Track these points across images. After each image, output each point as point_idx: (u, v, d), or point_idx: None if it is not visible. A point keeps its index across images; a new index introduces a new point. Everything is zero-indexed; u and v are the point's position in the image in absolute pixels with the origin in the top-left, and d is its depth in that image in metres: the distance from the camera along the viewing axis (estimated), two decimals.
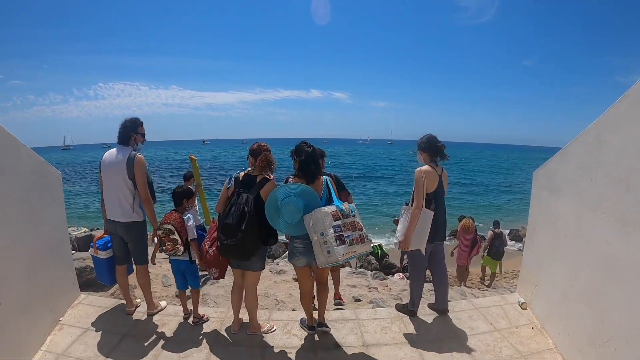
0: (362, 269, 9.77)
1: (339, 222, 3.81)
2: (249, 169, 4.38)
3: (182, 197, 4.96)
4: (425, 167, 4.65)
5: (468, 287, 10.12)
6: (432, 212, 4.57)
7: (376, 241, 13.23)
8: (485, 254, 11.37)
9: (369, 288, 7.37)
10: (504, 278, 12.42)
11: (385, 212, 27.39)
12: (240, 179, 4.27)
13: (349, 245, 3.75)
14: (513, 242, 19.38)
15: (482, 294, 8.76)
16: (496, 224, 11.66)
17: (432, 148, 4.76)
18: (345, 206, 3.99)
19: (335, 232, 3.73)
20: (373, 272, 8.62)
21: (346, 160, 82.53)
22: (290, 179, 4.16)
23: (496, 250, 11.20)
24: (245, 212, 3.97)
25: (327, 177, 4.30)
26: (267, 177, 4.28)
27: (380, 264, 12.30)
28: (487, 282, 11.62)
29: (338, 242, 3.71)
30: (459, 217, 11.32)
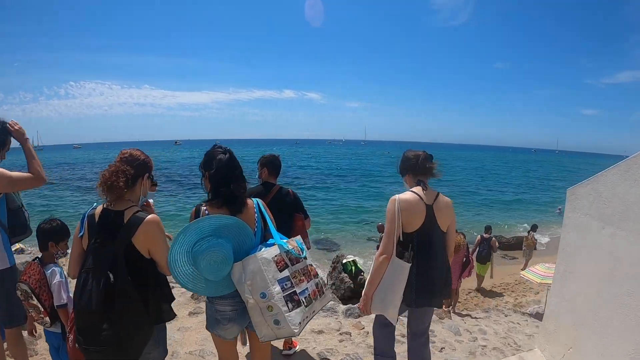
0: (331, 302, 8.15)
1: (286, 273, 2.50)
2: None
3: (48, 239, 3.21)
4: (405, 195, 3.08)
5: (458, 315, 8.69)
6: (408, 264, 2.96)
7: (349, 255, 11.68)
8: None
9: (340, 334, 5.66)
10: (495, 292, 11.63)
11: (359, 218, 25.50)
12: (97, 219, 2.47)
13: (306, 306, 2.50)
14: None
15: (478, 324, 7.36)
16: (487, 229, 12.16)
17: (416, 166, 3.20)
18: (292, 244, 2.64)
19: (283, 289, 2.44)
20: (346, 306, 6.89)
21: (321, 160, 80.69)
22: (203, 208, 2.62)
23: (479, 254, 11.76)
24: (111, 285, 2.24)
25: (258, 201, 2.84)
26: (142, 209, 2.61)
27: (355, 283, 10.81)
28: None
29: (290, 304, 2.43)
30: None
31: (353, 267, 11.10)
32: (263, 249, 2.51)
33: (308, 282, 2.61)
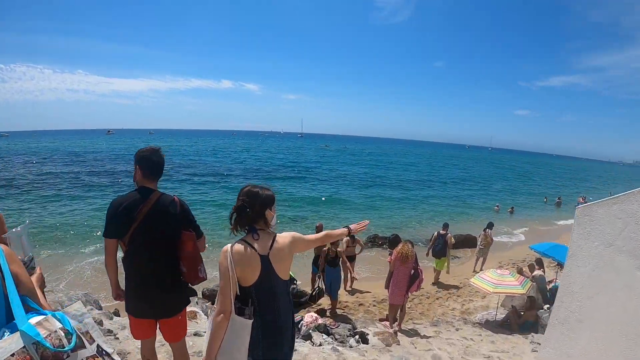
0: None
1: None
2: None
3: None
4: (237, 246, 2.60)
5: (406, 334, 7.54)
6: (250, 321, 2.60)
7: None
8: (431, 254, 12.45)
9: None
10: (441, 297, 11.02)
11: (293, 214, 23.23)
12: None
13: None
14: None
15: (430, 348, 6.25)
16: (445, 226, 12.62)
17: (257, 200, 2.69)
18: (46, 328, 1.50)
19: None
20: None
21: (257, 153, 77.80)
22: None
23: (434, 249, 12.25)
24: None
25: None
26: None
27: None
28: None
29: None
30: (390, 237, 8.59)
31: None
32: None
33: None
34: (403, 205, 27.62)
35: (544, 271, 10.99)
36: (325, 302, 9.69)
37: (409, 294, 7.88)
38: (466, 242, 16.75)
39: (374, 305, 9.96)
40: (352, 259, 10.84)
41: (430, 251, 12.45)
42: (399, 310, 7.92)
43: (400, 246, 7.66)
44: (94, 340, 1.66)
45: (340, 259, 9.07)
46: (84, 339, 1.61)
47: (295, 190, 31.06)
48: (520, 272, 11.60)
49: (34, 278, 1.92)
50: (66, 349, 1.51)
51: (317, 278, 9.26)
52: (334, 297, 9.19)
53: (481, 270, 13.52)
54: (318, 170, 47.14)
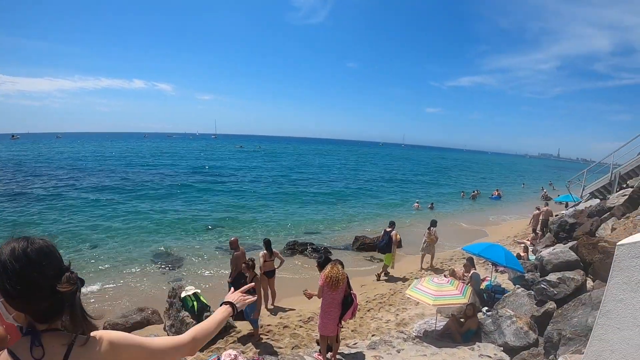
0: None
1: None
2: None
3: None
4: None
5: None
6: None
7: (189, 287, 8.85)
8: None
9: None
10: (372, 308, 10.01)
11: (204, 223, 20.81)
12: None
13: None
14: None
15: None
16: (391, 224, 13.12)
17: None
18: None
19: None
20: None
21: (168, 157, 73.57)
22: None
23: (379, 244, 13.07)
24: None
25: None
26: None
27: (199, 321, 8.05)
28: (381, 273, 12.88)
29: None
30: (319, 259, 7.32)
31: (195, 303, 8.39)
32: None
33: None
34: (322, 207, 26.67)
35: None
36: (244, 327, 8.48)
37: (343, 322, 6.74)
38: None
39: (301, 327, 8.77)
40: (271, 274, 9.93)
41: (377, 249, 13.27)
42: (334, 342, 6.76)
43: (328, 269, 6.45)
44: None
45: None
46: None
47: (211, 196, 29.03)
48: (452, 273, 11.01)
49: None
50: None
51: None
52: (254, 325, 8.01)
53: (429, 267, 13.84)
54: (237, 173, 44.84)
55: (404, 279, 12.62)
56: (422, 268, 13.77)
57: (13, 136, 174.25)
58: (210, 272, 12.88)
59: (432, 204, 27.53)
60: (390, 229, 12.84)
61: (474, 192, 34.52)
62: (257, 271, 8.55)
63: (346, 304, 6.41)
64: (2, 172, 37.98)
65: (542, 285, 8.13)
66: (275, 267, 10.11)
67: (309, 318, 9.18)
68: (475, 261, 11.12)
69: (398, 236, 13.08)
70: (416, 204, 27.39)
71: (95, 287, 11.38)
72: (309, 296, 6.53)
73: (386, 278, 12.84)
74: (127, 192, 28.89)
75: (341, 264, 6.57)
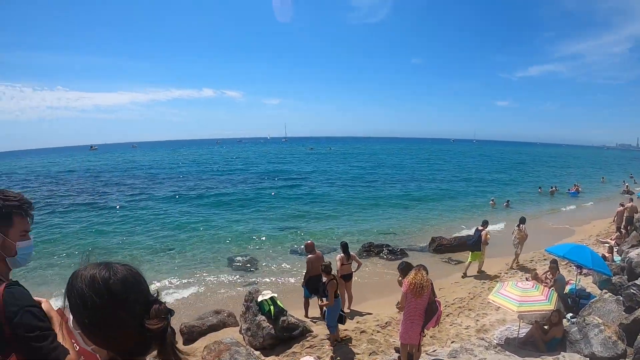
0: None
1: None
2: None
3: None
4: None
5: None
6: None
7: (267, 291, 8.91)
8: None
9: None
10: (452, 312, 9.72)
11: (283, 225, 21.60)
12: None
13: None
14: None
15: None
16: (484, 223, 13.16)
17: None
18: None
19: None
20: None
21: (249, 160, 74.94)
22: None
23: (467, 242, 13.50)
24: None
25: None
26: None
27: (276, 327, 8.19)
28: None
29: None
30: (399, 266, 7.16)
31: (272, 307, 8.43)
32: None
33: None
34: (396, 207, 26.27)
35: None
36: (321, 331, 8.46)
37: (426, 331, 6.55)
38: (464, 245, 15.16)
39: (378, 332, 8.61)
40: (348, 277, 9.79)
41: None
42: (415, 351, 6.58)
43: (412, 275, 6.31)
44: None
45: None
46: None
47: (284, 200, 29.34)
48: (535, 277, 10.44)
49: None
50: None
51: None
52: (331, 330, 7.97)
53: (516, 265, 13.52)
54: (309, 176, 44.99)
55: (483, 282, 12.19)
56: (511, 267, 13.47)
57: (92, 147, 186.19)
58: (286, 276, 13.03)
59: (508, 201, 26.41)
60: (482, 228, 12.88)
61: (551, 188, 32.80)
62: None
63: (430, 311, 6.23)
64: (82, 182, 40.68)
65: (632, 290, 7.58)
66: (353, 270, 9.99)
67: (386, 323, 9.01)
68: (559, 262, 10.53)
69: (488, 235, 13.00)
70: (491, 201, 26.41)
71: (171, 290, 11.80)
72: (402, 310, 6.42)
73: (473, 276, 12.72)
74: (202, 198, 29.92)
75: (425, 269, 6.41)
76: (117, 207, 26.19)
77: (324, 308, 7.97)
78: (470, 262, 12.92)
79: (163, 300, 1.36)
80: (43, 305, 1.91)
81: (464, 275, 12.75)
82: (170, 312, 1.35)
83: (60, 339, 1.79)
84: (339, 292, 8.06)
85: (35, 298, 1.95)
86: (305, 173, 47.66)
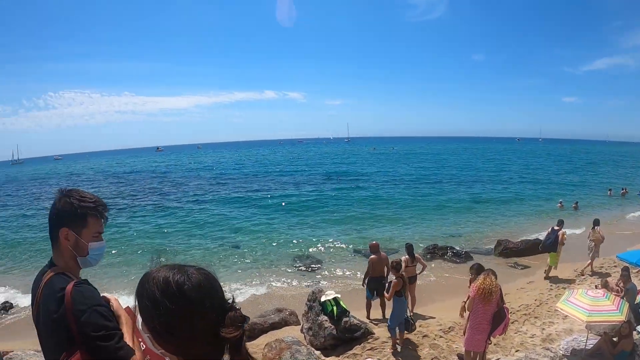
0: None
1: None
2: None
3: None
4: None
5: None
6: None
7: (330, 291, 9.08)
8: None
9: None
10: (517, 320, 9.51)
11: (346, 226, 21.33)
12: None
13: None
14: None
15: None
16: (560, 223, 12.85)
17: None
18: None
19: None
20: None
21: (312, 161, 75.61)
22: None
23: (544, 243, 12.95)
24: None
25: None
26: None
27: (338, 328, 8.33)
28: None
29: None
30: (472, 267, 7.27)
31: (334, 308, 8.58)
32: None
33: None
34: (461, 209, 25.81)
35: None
36: (383, 333, 8.53)
37: (492, 339, 6.48)
38: (534, 248, 14.66)
39: (441, 337, 8.57)
40: (412, 280, 9.76)
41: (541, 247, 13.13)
42: (478, 358, 6.53)
43: (481, 279, 6.24)
44: None
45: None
46: None
47: (347, 200, 29.47)
48: (605, 285, 10.02)
49: None
50: None
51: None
52: (392, 333, 8.03)
53: (589, 271, 13.04)
54: (372, 177, 44.77)
55: (550, 289, 11.80)
56: (581, 273, 13.03)
57: (158, 148, 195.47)
58: (349, 276, 13.25)
59: (576, 202, 25.26)
60: (558, 228, 12.61)
61: (622, 189, 31.11)
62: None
63: (498, 318, 6.16)
64: (147, 182, 42.82)
65: None
66: (417, 272, 10.01)
67: (449, 328, 8.94)
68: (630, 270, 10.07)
69: (565, 236, 12.74)
70: (559, 204, 25.42)
71: (234, 287, 12.22)
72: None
73: (548, 279, 12.49)
74: (266, 199, 30.54)
75: (494, 274, 6.37)
76: (182, 207, 27.39)
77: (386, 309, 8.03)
78: (550, 265, 12.68)
79: (238, 307, 1.29)
80: (112, 304, 1.94)
81: (546, 277, 12.57)
82: (245, 319, 1.27)
83: (126, 338, 1.80)
84: (403, 293, 8.08)
85: (104, 294, 1.99)
86: (368, 174, 47.37)
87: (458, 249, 15.48)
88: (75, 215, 1.96)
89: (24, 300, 12.33)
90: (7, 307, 12.10)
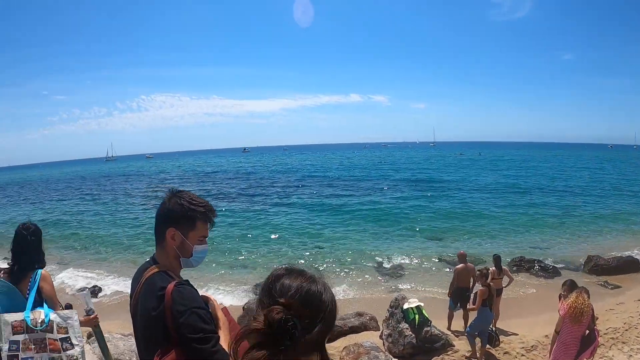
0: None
1: (18, 337, 2.89)
2: None
3: None
4: None
5: None
6: None
7: (413, 299, 9.14)
8: None
9: None
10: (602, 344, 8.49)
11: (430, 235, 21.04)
12: None
13: None
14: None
15: None
16: None
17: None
18: (35, 315, 3.00)
19: (10, 349, 2.85)
20: None
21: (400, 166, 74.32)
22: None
23: None
24: None
25: (40, 271, 3.25)
26: None
27: (418, 337, 8.43)
28: None
29: None
30: (565, 282, 6.94)
31: (417, 316, 8.67)
32: (9, 314, 2.92)
33: (37, 352, 2.87)
34: (550, 220, 24.29)
35: None
36: (463, 347, 8.51)
37: None
38: (626, 266, 13.99)
39: (523, 355, 8.43)
40: (498, 293, 9.55)
41: None
42: None
43: (572, 298, 5.96)
44: (67, 333, 3.01)
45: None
46: (55, 329, 2.98)
47: (432, 207, 28.96)
48: None
49: (85, 319, 3.42)
50: (38, 327, 2.93)
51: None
52: (471, 344, 8.04)
53: None
54: (459, 184, 43.04)
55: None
56: None
57: (244, 150, 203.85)
58: (432, 285, 13.31)
59: None
60: None
61: None
62: None
63: (588, 340, 5.97)
64: (233, 183, 44.99)
65: None
66: (503, 285, 9.90)
67: (532, 346, 8.73)
68: None
69: None
70: None
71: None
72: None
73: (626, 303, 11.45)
74: (350, 204, 30.81)
75: (587, 293, 6.09)
76: (265, 210, 28.29)
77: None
78: None
79: None
80: (210, 304, 1.97)
81: None
82: None
83: (222, 342, 1.82)
84: (489, 304, 8.03)
85: (203, 294, 2.02)
86: (454, 181, 45.99)
87: (546, 263, 14.97)
88: (184, 217, 2.00)
89: (112, 287, 14.05)
90: (96, 290, 13.55)
